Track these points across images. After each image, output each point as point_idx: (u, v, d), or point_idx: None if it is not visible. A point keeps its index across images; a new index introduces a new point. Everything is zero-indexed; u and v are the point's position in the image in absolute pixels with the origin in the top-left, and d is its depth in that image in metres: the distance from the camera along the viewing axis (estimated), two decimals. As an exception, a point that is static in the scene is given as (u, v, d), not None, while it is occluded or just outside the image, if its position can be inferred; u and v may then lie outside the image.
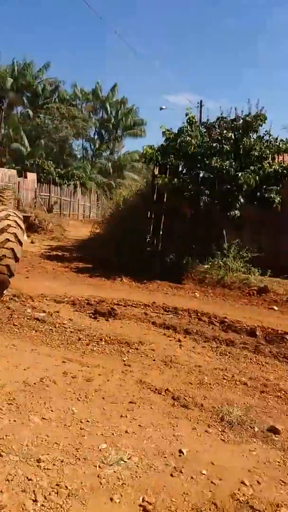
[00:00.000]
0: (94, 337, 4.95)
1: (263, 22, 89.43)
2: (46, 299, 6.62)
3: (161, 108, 35.25)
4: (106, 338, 4.96)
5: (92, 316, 5.86)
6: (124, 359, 4.43)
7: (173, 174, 11.25)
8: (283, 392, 4.01)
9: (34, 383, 3.61)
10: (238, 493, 2.53)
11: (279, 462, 2.92)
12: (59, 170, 31.90)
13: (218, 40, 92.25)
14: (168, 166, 11.28)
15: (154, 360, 4.47)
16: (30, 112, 35.30)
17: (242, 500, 2.48)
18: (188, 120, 11.40)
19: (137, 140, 52.97)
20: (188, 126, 11.21)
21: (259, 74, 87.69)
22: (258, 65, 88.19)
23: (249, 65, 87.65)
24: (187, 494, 2.48)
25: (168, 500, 2.41)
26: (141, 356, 4.54)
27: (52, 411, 3.22)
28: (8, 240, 5.43)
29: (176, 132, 11.05)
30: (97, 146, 42.70)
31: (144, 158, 11.66)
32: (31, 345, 4.57)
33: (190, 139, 10.50)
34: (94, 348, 4.64)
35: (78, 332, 5.09)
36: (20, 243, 5.67)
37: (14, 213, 5.88)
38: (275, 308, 7.67)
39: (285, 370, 4.62)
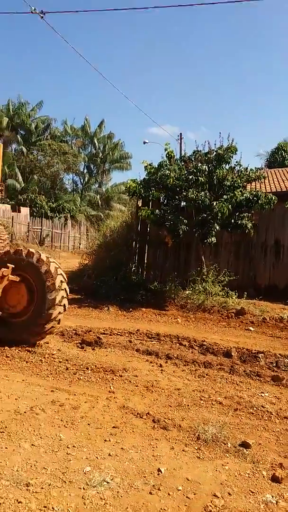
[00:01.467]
0: (81, 366, 5.08)
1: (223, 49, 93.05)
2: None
3: (144, 142, 36.15)
4: (92, 366, 5.09)
5: (80, 346, 5.98)
6: (109, 386, 4.58)
7: (155, 206, 11.61)
8: (255, 409, 4.18)
9: (25, 412, 3.73)
10: (210, 505, 2.67)
11: (248, 474, 3.07)
12: (50, 203, 32.39)
13: (195, 72, 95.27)
14: (150, 198, 11.66)
15: (136, 386, 4.61)
16: (24, 149, 36.08)
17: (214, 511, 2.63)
18: (167, 155, 11.90)
19: (124, 173, 54.02)
20: (167, 160, 11.69)
21: (233, 102, 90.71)
22: (229, 93, 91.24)
23: (223, 94, 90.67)
24: (164, 510, 2.61)
25: (147, 516, 2.55)
26: (125, 383, 4.68)
27: (41, 437, 3.35)
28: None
29: (157, 166, 11.48)
30: (86, 179, 43.44)
31: (128, 191, 12.02)
32: (22, 376, 4.68)
33: (169, 172, 10.89)
34: (81, 377, 4.77)
35: (65, 362, 5.21)
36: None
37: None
38: (251, 329, 7.88)
39: (257, 388, 4.79)
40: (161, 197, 11.52)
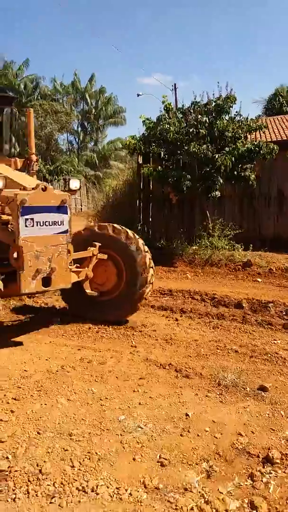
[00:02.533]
0: (102, 325, 5.31)
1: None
2: (55, 294, 6.69)
3: (138, 95, 34.95)
4: (113, 324, 5.32)
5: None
6: (130, 341, 4.81)
7: (156, 162, 11.45)
8: (269, 355, 4.41)
9: (57, 371, 3.96)
10: (236, 443, 2.93)
11: (268, 414, 3.32)
12: (48, 166, 31.77)
13: (180, 19, 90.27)
14: (151, 154, 11.47)
15: (156, 340, 4.85)
16: (15, 111, 34.79)
17: (240, 448, 2.88)
18: (165, 108, 11.55)
19: (118, 128, 52.51)
20: (166, 114, 11.36)
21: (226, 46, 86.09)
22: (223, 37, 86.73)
23: (214, 39, 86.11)
24: (195, 448, 2.87)
25: (180, 455, 2.80)
26: (145, 337, 4.92)
27: (75, 393, 3.59)
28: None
29: (155, 120, 11.19)
30: (81, 138, 42.35)
31: (128, 149, 11.79)
32: (49, 338, 4.90)
33: (168, 126, 10.62)
34: (104, 335, 5.00)
35: (87, 321, 5.43)
36: None
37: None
38: (259, 280, 8.08)
39: (270, 336, 5.03)
40: (162, 152, 11.33)
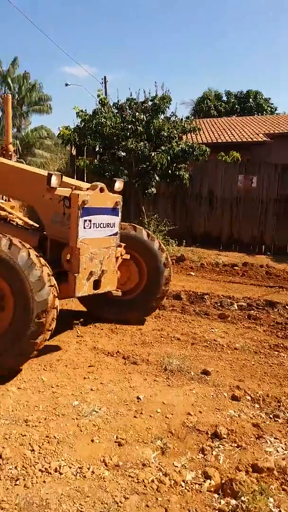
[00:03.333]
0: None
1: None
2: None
3: (66, 84, 34.39)
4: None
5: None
6: (75, 331, 4.85)
7: (90, 154, 11.45)
8: (209, 342, 4.76)
9: (2, 360, 3.90)
10: (187, 422, 3.16)
11: (212, 395, 3.61)
12: None
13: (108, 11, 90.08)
14: (85, 147, 11.44)
15: (102, 329, 4.95)
16: None
17: (190, 426, 3.12)
18: (100, 101, 11.60)
19: (43, 116, 50.84)
20: (101, 108, 11.42)
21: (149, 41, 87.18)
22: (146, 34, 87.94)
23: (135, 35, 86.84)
24: (149, 428, 3.05)
25: (136, 435, 2.96)
26: (90, 328, 4.99)
27: (25, 381, 3.58)
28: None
29: (91, 113, 11.19)
30: (2, 123, 40.37)
31: (61, 139, 11.63)
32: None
33: (105, 120, 10.71)
34: (47, 325, 4.97)
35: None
36: None
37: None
38: (192, 273, 8.53)
39: (208, 324, 5.40)
40: (97, 146, 11.37)
